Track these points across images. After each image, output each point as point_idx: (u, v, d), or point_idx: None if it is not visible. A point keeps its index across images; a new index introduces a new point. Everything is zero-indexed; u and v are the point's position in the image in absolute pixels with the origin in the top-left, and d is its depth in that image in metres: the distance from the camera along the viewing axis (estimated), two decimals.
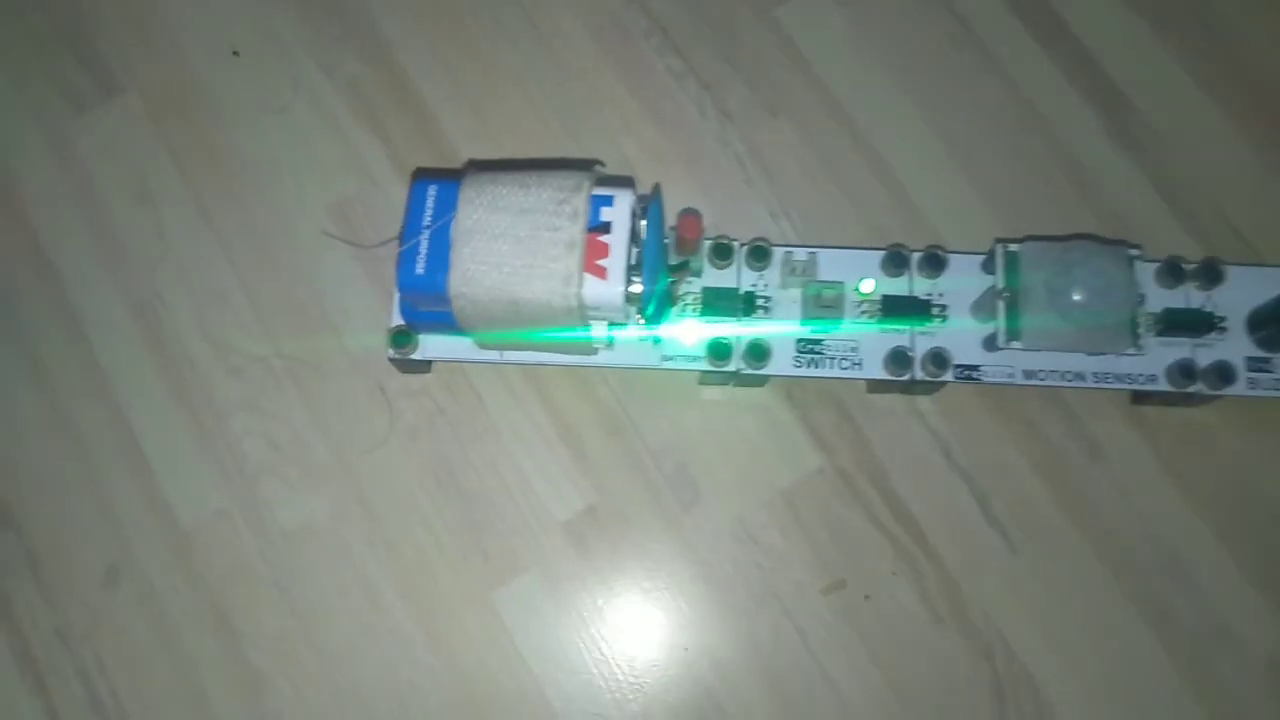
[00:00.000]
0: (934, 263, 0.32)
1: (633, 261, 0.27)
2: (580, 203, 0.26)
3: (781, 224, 0.35)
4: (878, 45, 0.36)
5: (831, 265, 0.32)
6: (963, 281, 0.32)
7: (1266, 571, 0.31)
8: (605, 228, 0.26)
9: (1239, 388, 0.31)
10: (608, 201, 0.27)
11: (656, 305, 0.29)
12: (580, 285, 0.26)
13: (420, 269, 0.27)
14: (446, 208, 0.27)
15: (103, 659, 0.31)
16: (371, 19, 0.37)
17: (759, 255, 0.32)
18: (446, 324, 0.28)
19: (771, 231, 0.34)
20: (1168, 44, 0.36)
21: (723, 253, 0.32)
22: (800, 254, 0.32)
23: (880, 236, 0.34)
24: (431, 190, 0.27)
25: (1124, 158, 0.35)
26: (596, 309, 0.27)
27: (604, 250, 0.26)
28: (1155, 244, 0.34)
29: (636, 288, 0.27)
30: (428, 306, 0.27)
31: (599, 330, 0.28)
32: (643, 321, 0.28)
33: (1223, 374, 0.31)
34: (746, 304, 0.31)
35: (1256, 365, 0.31)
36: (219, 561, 0.32)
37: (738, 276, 0.32)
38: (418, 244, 0.27)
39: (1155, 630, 0.31)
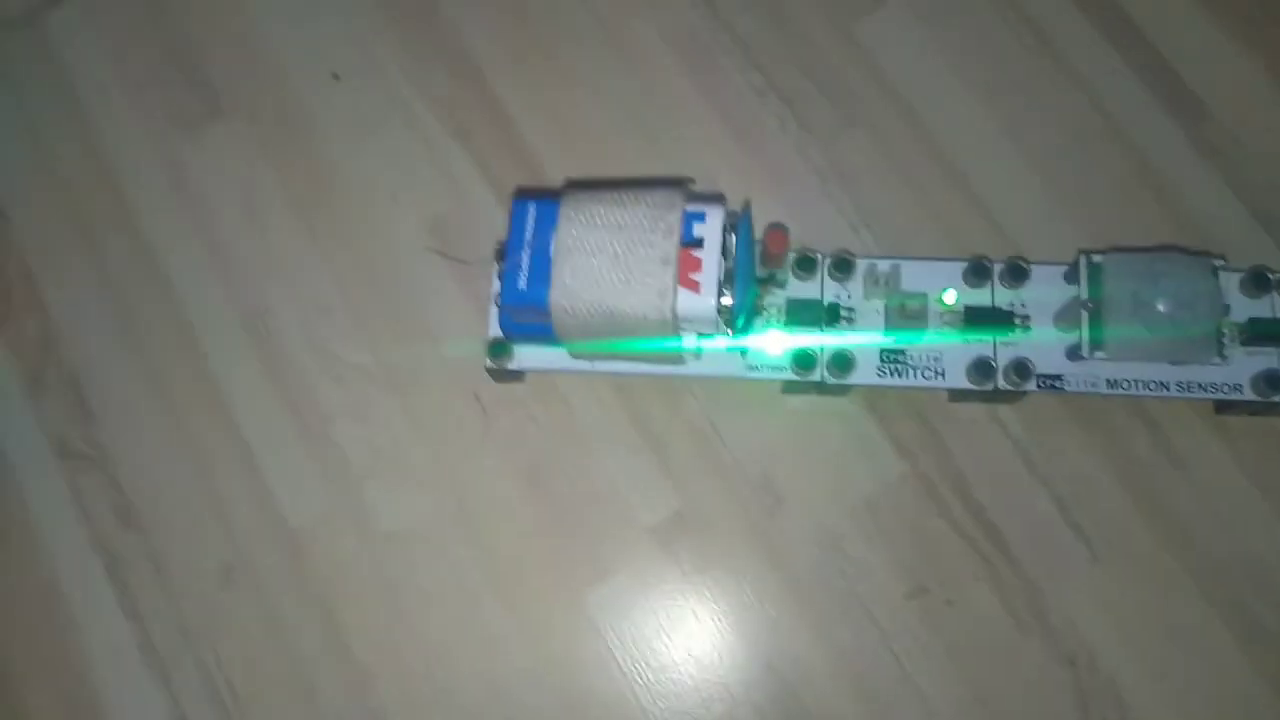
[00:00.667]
0: (1016, 273, 0.32)
1: (723, 275, 0.28)
2: (674, 220, 0.27)
3: (862, 236, 0.35)
4: (955, 58, 0.37)
5: (914, 276, 0.33)
6: (1045, 292, 0.32)
7: None
8: (698, 243, 0.27)
9: None
10: (700, 218, 0.28)
11: (745, 317, 0.30)
12: (675, 299, 0.27)
13: (523, 284, 0.28)
14: (546, 225, 0.28)
15: (220, 654, 0.32)
16: (462, 39, 0.38)
17: (842, 267, 0.32)
18: (544, 336, 0.29)
19: (852, 243, 0.35)
20: (1246, 49, 0.36)
21: (807, 265, 0.32)
22: (884, 265, 0.32)
23: (960, 248, 0.34)
24: (531, 209, 0.29)
25: (1204, 166, 0.35)
26: (689, 321, 0.28)
27: (697, 265, 0.27)
28: (1238, 253, 0.33)
29: (728, 300, 0.28)
30: (528, 319, 0.29)
31: (689, 341, 0.29)
32: (731, 333, 0.29)
33: None
34: (830, 315, 0.32)
35: None
36: (325, 562, 0.33)
37: (821, 288, 0.33)
38: (520, 260, 0.28)
39: (1240, 642, 0.31)
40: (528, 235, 0.28)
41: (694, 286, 0.27)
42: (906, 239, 0.35)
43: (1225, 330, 0.30)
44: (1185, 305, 0.29)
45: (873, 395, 0.34)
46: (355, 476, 0.34)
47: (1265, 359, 0.31)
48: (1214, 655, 0.31)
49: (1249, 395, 0.31)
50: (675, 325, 0.28)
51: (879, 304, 0.32)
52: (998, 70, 0.37)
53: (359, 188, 0.37)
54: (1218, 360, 0.30)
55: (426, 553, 0.33)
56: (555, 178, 0.36)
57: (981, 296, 0.32)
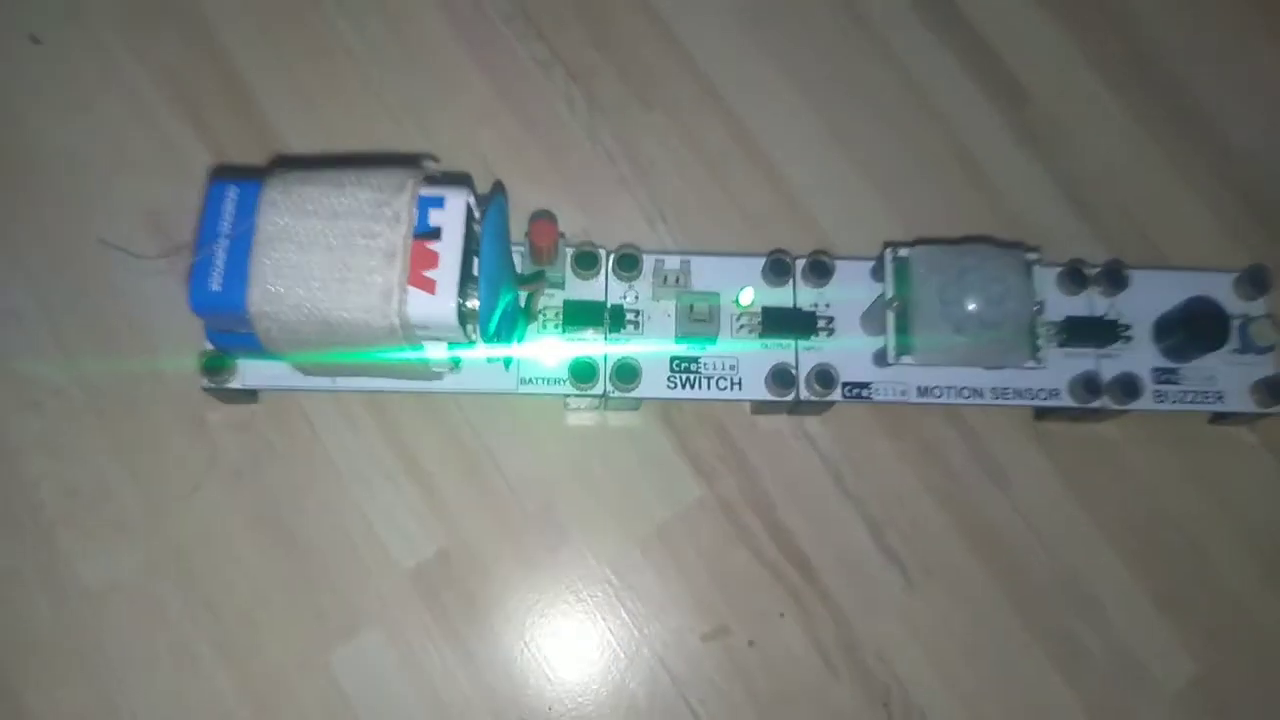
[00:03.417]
0: (819, 270, 0.29)
1: (473, 272, 0.23)
2: (403, 205, 0.22)
3: (658, 228, 0.31)
4: (763, 32, 0.33)
5: (708, 274, 0.29)
6: (852, 290, 0.29)
7: (1174, 596, 0.29)
8: (434, 234, 0.23)
9: (1145, 401, 0.29)
10: (438, 203, 0.23)
11: (503, 322, 0.25)
12: (403, 301, 0.22)
13: (216, 284, 0.23)
14: (249, 212, 0.23)
15: None
16: None
17: (627, 264, 0.28)
18: (257, 348, 0.24)
19: (647, 237, 0.31)
20: (1070, 35, 0.34)
21: (587, 261, 0.28)
22: (672, 262, 0.28)
23: (767, 241, 0.31)
24: (231, 192, 0.23)
25: (1024, 153, 0.33)
26: (426, 328, 0.23)
27: (433, 260, 0.23)
28: (1057, 246, 0.31)
29: (473, 303, 0.23)
30: (230, 328, 0.23)
31: (436, 352, 0.25)
32: (483, 341, 0.24)
33: (1128, 388, 0.28)
34: (614, 318, 0.28)
35: (1163, 377, 0.29)
36: (5, 626, 0.27)
37: (605, 288, 0.28)
38: (213, 254, 0.23)
39: (1062, 669, 0.29)
40: (225, 224, 0.23)
41: (428, 286, 0.22)
42: (709, 233, 0.31)
43: (1040, 331, 0.28)
44: (996, 303, 0.26)
45: (668, 409, 0.30)
46: (47, 522, 0.28)
47: (1084, 361, 0.29)
48: (1034, 684, 0.28)
49: (1067, 401, 0.29)
50: (409, 333, 0.23)
51: (670, 305, 0.28)
52: (808, 47, 0.34)
53: (62, 170, 0.30)
54: (1032, 364, 0.27)
55: (135, 613, 0.27)
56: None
57: (783, 296, 0.29)
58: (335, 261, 0.22)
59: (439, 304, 0.22)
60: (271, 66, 0.32)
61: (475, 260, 0.24)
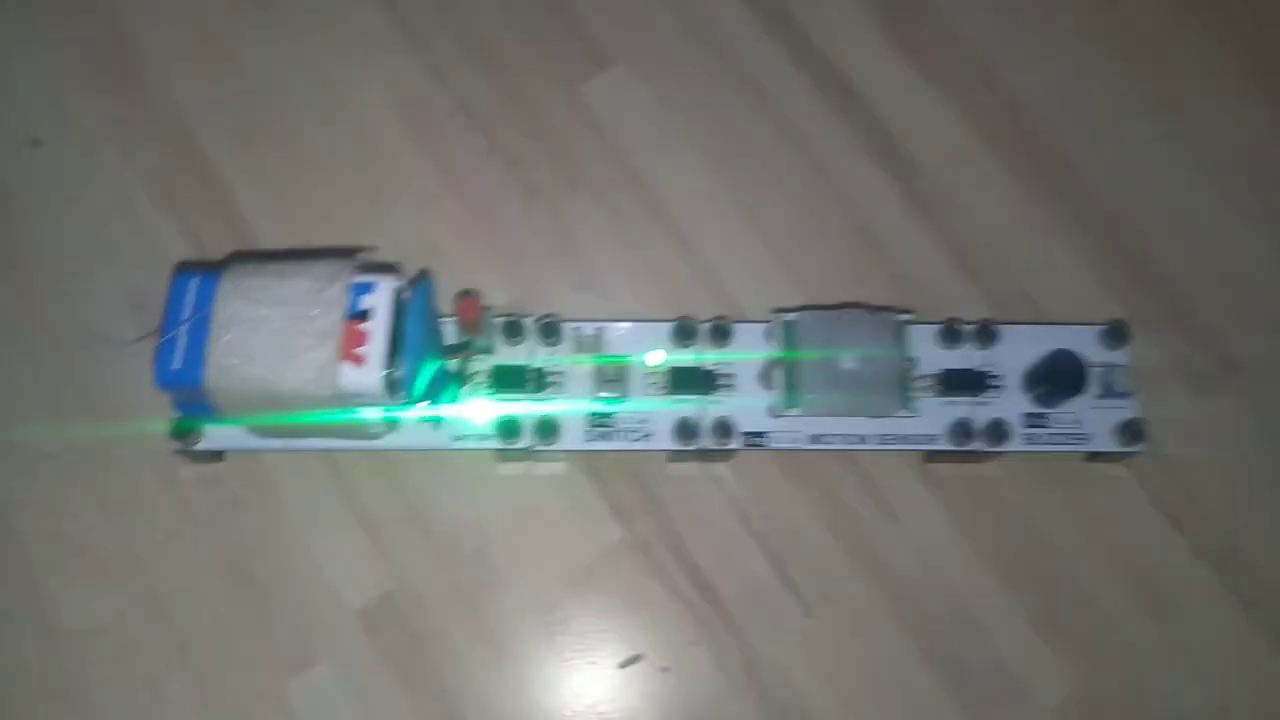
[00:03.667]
0: (721, 333, 0.32)
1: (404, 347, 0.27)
2: (337, 291, 0.26)
3: (585, 297, 0.35)
4: (678, 117, 0.37)
5: (622, 338, 0.32)
6: (752, 351, 0.32)
7: (1050, 620, 0.32)
8: (364, 315, 0.27)
9: (1016, 444, 0.32)
10: (368, 289, 0.27)
11: (434, 386, 0.29)
12: (336, 375, 0.26)
13: (178, 363, 0.27)
14: (208, 300, 0.27)
15: None
16: (177, 106, 0.37)
17: (550, 331, 0.32)
18: (217, 414, 0.28)
19: (575, 306, 0.35)
20: (958, 110, 0.38)
21: (513, 330, 0.32)
22: (587, 329, 0.32)
23: (683, 306, 0.34)
24: (193, 283, 0.27)
25: (915, 220, 0.37)
26: (358, 395, 0.27)
27: (362, 338, 0.26)
28: (946, 305, 0.35)
29: (398, 373, 0.27)
30: (190, 400, 0.27)
31: (372, 414, 0.28)
32: (409, 404, 0.28)
33: (997, 432, 0.32)
34: (537, 380, 0.32)
35: (1033, 421, 0.33)
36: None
37: (530, 352, 0.32)
38: (175, 337, 0.27)
39: (949, 688, 0.31)
40: (186, 311, 0.27)
41: (358, 360, 0.26)
42: (629, 300, 0.35)
43: (912, 383, 0.31)
44: (868, 361, 0.30)
45: (591, 458, 0.33)
46: (37, 570, 0.31)
47: (960, 409, 0.32)
48: (923, 703, 0.31)
49: (945, 445, 0.32)
50: (343, 401, 0.27)
51: (588, 368, 0.32)
52: (721, 132, 0.38)
53: (54, 260, 0.35)
54: (905, 413, 0.31)
55: (114, 650, 0.31)
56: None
57: (690, 357, 0.32)
58: (279, 342, 0.26)
59: (367, 375, 0.26)
60: (245, 166, 0.36)
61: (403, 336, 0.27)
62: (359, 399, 0.27)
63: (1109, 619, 0.32)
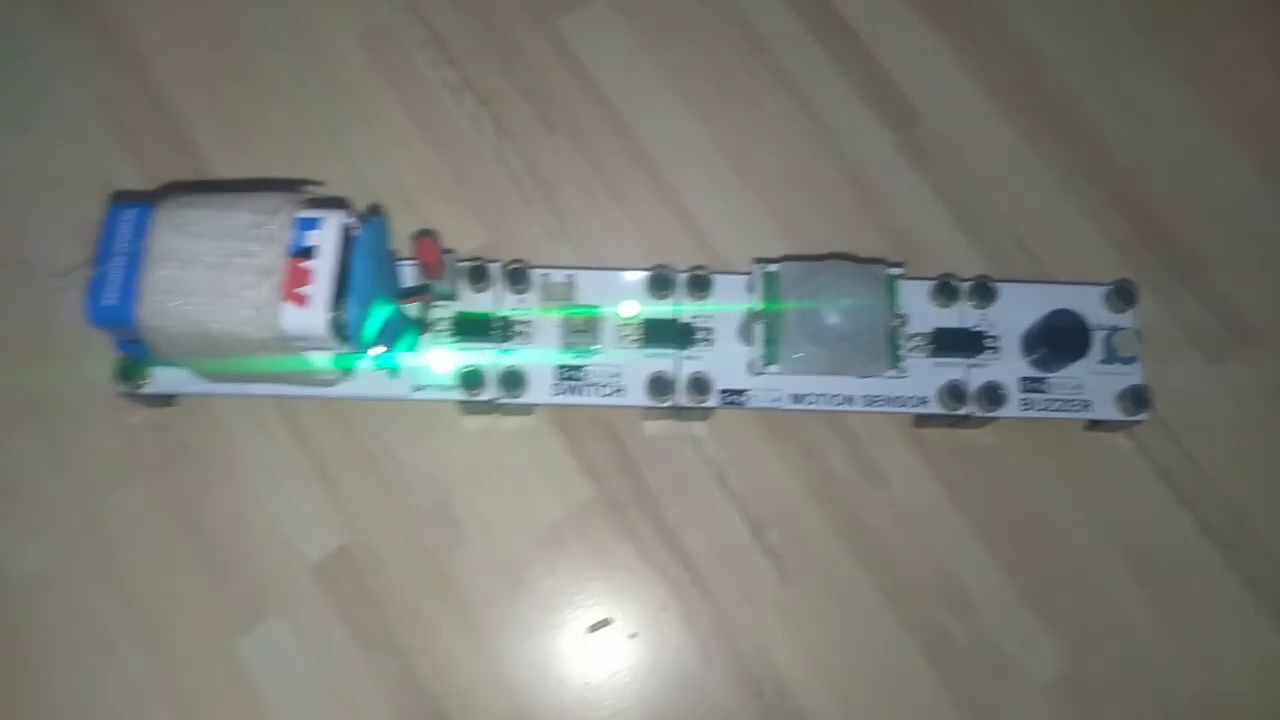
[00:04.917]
0: (699, 284, 0.30)
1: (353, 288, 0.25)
2: (277, 226, 0.25)
3: (560, 245, 0.33)
4: (662, 56, 0.35)
5: (594, 288, 0.30)
6: (732, 303, 0.31)
7: (1043, 595, 0.30)
8: (308, 252, 0.25)
9: (1011, 409, 0.30)
10: (313, 224, 0.25)
11: (388, 332, 0.27)
12: (277, 315, 0.24)
13: (110, 299, 0.25)
14: (143, 233, 0.25)
15: None
16: (132, 33, 0.35)
17: (517, 278, 0.30)
18: (154, 355, 0.26)
19: (550, 253, 0.33)
20: (958, 54, 0.36)
21: (478, 276, 0.30)
22: (558, 276, 0.30)
23: (663, 256, 0.32)
24: (128, 214, 0.25)
25: (912, 171, 0.35)
26: (302, 339, 0.25)
27: (305, 277, 0.24)
28: (942, 259, 0.33)
29: (345, 315, 0.25)
30: (125, 338, 0.26)
31: (320, 359, 0.27)
32: (356, 349, 0.26)
33: (992, 396, 0.30)
34: (503, 329, 0.30)
35: (1030, 386, 0.31)
36: None
37: (496, 300, 0.30)
38: (109, 272, 0.25)
39: (933, 662, 0.30)
40: (121, 245, 0.25)
41: (301, 300, 0.24)
42: (607, 249, 0.33)
43: (901, 342, 0.29)
44: (853, 316, 0.28)
45: (561, 415, 0.31)
46: None
47: (953, 370, 0.30)
48: (906, 679, 0.30)
49: (935, 408, 0.30)
50: (285, 344, 0.25)
51: (557, 317, 0.30)
52: (707, 73, 0.35)
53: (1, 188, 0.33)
54: (891, 373, 0.29)
55: (57, 600, 0.29)
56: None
57: (666, 308, 0.31)
58: (215, 279, 0.24)
59: (311, 317, 0.24)
60: (201, 95, 0.34)
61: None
62: (303, 342, 0.25)
63: (1106, 596, 0.31)
